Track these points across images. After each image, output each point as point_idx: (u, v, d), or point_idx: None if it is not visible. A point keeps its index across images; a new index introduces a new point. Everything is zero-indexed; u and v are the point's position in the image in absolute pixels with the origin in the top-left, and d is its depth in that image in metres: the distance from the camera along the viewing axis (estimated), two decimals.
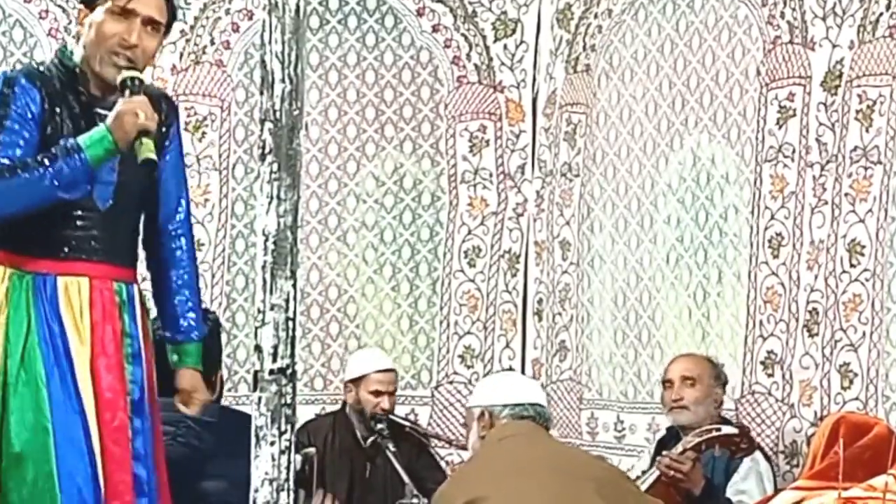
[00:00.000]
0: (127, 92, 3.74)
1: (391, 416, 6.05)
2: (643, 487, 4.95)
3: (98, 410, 3.77)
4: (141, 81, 3.78)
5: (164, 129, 3.95)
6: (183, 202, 4.07)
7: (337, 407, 6.31)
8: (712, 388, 5.47)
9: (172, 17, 3.94)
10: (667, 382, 5.53)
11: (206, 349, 4.21)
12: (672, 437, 5.49)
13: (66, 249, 3.82)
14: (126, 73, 3.77)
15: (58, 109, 3.81)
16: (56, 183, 3.68)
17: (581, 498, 4.17)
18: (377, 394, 6.07)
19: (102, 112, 3.80)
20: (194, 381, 4.06)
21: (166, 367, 4.07)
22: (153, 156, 3.68)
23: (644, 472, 5.29)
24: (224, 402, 5.96)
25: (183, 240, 4.05)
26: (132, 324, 3.89)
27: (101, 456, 3.76)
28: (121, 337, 3.86)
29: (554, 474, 4.24)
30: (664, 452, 5.16)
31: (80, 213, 3.82)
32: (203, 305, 5.88)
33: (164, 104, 4.01)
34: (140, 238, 4.03)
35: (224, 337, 6.54)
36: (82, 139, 3.71)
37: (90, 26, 3.83)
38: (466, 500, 4.17)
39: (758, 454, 5.24)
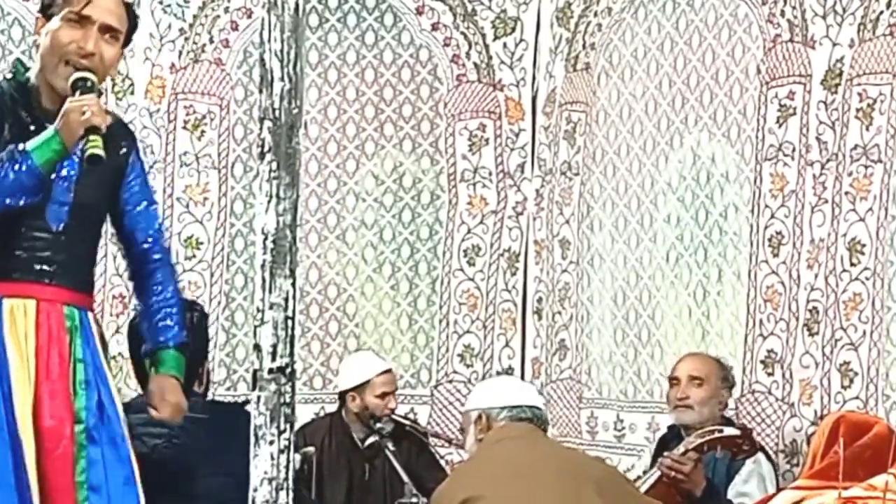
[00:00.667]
0: (77, 92, 3.60)
1: (392, 416, 6.05)
2: (644, 487, 4.95)
3: (40, 438, 3.61)
4: (94, 83, 3.63)
5: (123, 156, 3.83)
6: (154, 227, 3.92)
7: (335, 407, 6.30)
8: (719, 390, 5.45)
9: (133, 26, 3.80)
10: (673, 380, 5.51)
11: (192, 341, 4.12)
12: (674, 435, 5.48)
13: (14, 271, 3.68)
14: (78, 74, 3.63)
15: (8, 125, 3.67)
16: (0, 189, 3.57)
17: (581, 499, 4.17)
18: (383, 396, 6.06)
19: None
20: (164, 384, 3.86)
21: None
22: (100, 152, 3.52)
23: (645, 472, 5.29)
24: (224, 401, 5.97)
25: (159, 263, 3.90)
26: (85, 349, 3.72)
27: (41, 485, 3.60)
28: (70, 362, 3.69)
29: (554, 475, 4.24)
30: (666, 453, 5.15)
31: (32, 233, 3.68)
32: (199, 304, 5.91)
33: (121, 131, 3.87)
34: (94, 264, 3.89)
35: (223, 336, 6.54)
36: (30, 143, 3.58)
37: (46, 35, 3.71)
38: (463, 499, 4.17)
39: (760, 456, 5.22)
